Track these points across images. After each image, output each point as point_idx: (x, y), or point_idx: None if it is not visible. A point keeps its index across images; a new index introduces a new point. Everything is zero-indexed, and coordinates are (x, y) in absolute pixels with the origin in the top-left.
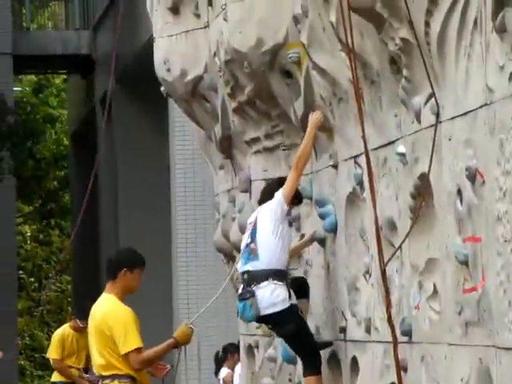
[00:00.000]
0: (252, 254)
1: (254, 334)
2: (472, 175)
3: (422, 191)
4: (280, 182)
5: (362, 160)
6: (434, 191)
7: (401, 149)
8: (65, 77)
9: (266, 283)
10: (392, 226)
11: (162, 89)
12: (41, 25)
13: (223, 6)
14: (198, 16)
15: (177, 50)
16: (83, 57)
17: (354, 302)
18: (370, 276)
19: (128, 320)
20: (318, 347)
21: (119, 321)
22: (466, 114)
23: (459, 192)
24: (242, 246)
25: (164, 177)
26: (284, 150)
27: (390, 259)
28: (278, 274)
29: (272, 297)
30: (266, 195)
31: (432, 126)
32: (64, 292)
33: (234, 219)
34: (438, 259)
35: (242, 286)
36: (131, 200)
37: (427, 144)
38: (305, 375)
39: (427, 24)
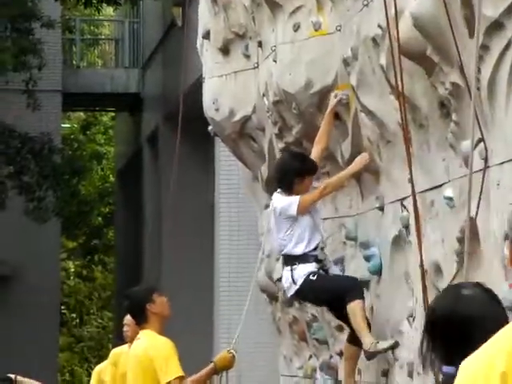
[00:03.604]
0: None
1: (295, 376)
2: None
3: (469, 236)
4: (298, 172)
5: (409, 203)
6: (480, 236)
7: (448, 193)
8: (112, 114)
9: (287, 268)
10: (437, 270)
11: (210, 128)
12: (90, 63)
13: (273, 48)
14: (247, 57)
15: (226, 90)
16: (132, 95)
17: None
18: (413, 320)
19: (168, 350)
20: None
21: (160, 352)
22: None
23: (506, 237)
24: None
25: (209, 215)
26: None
27: None
28: (287, 259)
29: (284, 282)
30: (282, 178)
31: (480, 170)
32: (105, 328)
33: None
34: None
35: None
36: (175, 237)
37: (475, 189)
38: (347, 303)
39: (478, 69)
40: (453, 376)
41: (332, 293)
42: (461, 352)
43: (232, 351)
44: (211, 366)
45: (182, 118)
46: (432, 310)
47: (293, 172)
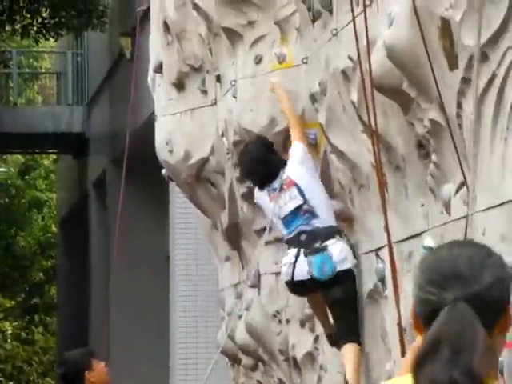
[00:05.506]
0: (306, 214)
1: None
2: None
3: None
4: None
5: (385, 253)
6: None
7: (428, 242)
8: (54, 157)
9: (333, 240)
10: None
11: (163, 171)
12: (29, 100)
13: (232, 82)
14: (204, 92)
15: (181, 129)
16: (76, 135)
17: None
18: None
19: None
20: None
21: None
22: (501, 205)
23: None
24: (285, 211)
25: (163, 269)
26: None
27: None
28: (338, 231)
29: (342, 253)
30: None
31: (463, 217)
32: None
33: (240, 317)
34: None
35: (293, 248)
36: (125, 295)
37: (457, 237)
38: (344, 342)
39: (459, 105)
40: None
41: (354, 308)
42: None
43: None
44: None
45: (130, 160)
46: None
47: (270, 156)
